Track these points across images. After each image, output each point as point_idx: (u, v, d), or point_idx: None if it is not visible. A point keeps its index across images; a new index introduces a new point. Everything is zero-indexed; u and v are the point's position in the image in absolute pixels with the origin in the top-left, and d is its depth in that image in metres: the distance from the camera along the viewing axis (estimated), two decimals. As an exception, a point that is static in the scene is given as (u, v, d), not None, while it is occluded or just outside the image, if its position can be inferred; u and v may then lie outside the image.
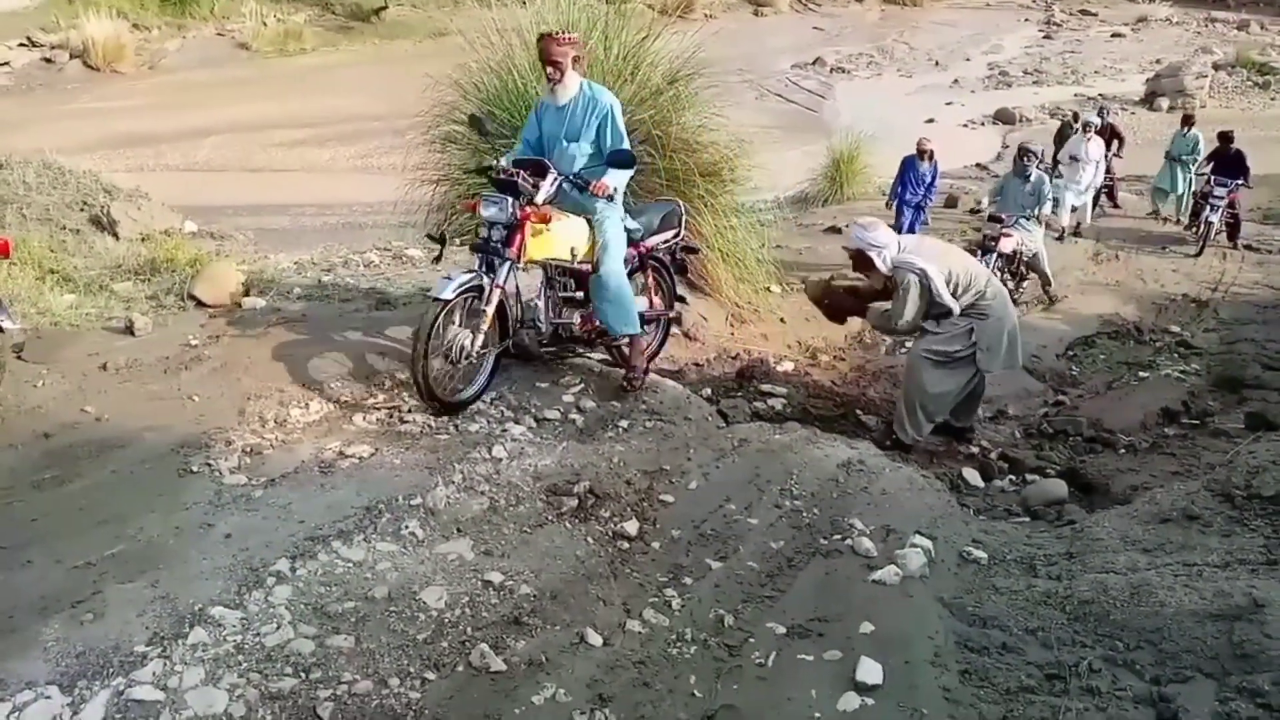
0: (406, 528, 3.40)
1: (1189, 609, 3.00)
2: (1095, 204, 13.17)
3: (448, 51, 8.05)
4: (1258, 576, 3.13)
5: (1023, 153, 9.57)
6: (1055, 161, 13.40)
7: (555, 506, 3.67)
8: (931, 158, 11.31)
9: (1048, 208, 9.45)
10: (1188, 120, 13.28)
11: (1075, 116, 15.24)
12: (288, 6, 27.21)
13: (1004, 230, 9.00)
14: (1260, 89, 22.69)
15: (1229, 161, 11.73)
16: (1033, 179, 9.43)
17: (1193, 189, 12.64)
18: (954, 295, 5.43)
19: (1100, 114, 13.77)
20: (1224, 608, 2.96)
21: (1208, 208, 11.44)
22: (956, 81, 24.03)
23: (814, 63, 25.54)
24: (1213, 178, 11.61)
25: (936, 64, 26.37)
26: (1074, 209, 11.98)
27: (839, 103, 21.42)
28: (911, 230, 10.66)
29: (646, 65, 7.47)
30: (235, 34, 24.71)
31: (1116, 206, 13.68)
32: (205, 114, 18.62)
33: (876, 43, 28.92)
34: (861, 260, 5.59)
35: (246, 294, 5.58)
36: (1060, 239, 11.34)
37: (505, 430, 4.26)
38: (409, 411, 4.35)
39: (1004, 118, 19.93)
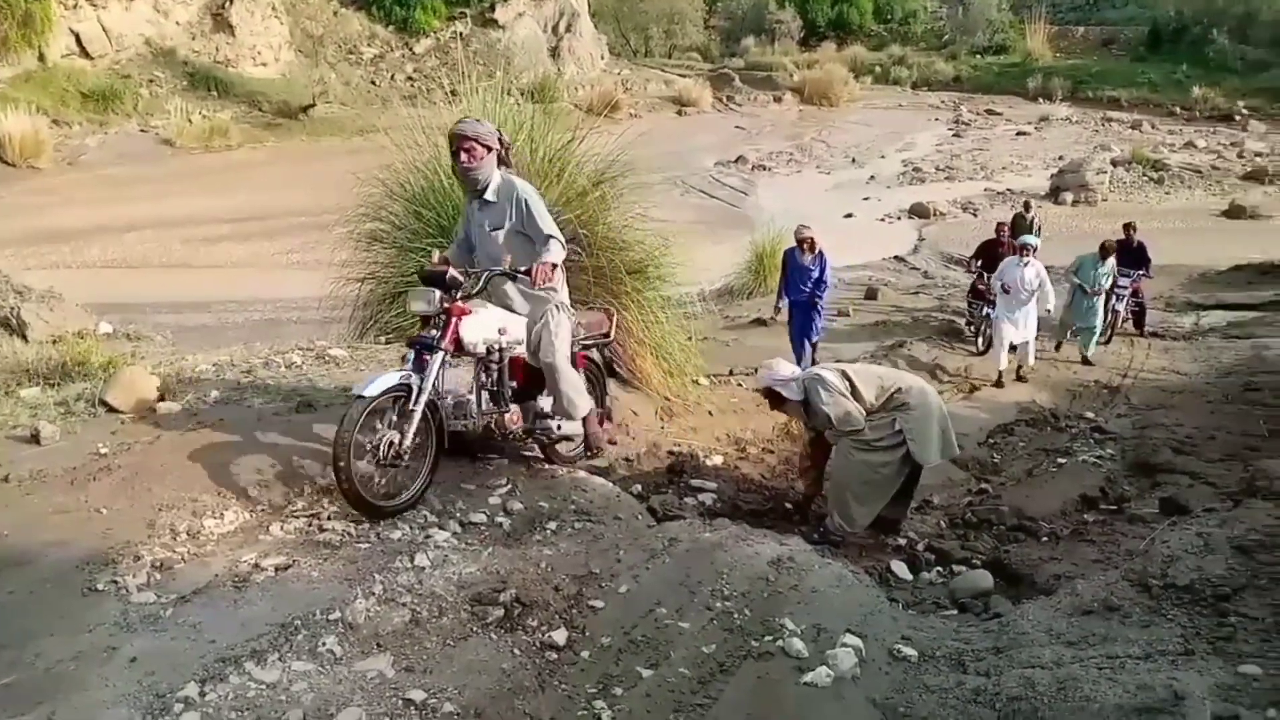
0: (324, 645, 3.27)
1: (1113, 703, 3.01)
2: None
3: (375, 149, 8.12)
4: (1177, 668, 3.18)
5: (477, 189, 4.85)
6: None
7: (480, 617, 3.56)
8: (814, 248, 9.90)
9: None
10: (1107, 251, 11.40)
11: (1028, 206, 15.02)
12: (214, 103, 27.30)
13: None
14: (1155, 184, 24.12)
15: (1132, 253, 12.32)
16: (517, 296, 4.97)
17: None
18: (861, 396, 5.63)
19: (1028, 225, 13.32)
20: (1146, 701, 2.98)
21: (1114, 297, 11.97)
22: (873, 178, 25.05)
23: (736, 160, 26.45)
24: (1116, 269, 12.17)
25: (853, 161, 27.50)
26: (1013, 348, 10.34)
27: (761, 198, 22.10)
28: (806, 335, 9.89)
29: (572, 167, 7.62)
30: (159, 130, 24.65)
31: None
32: (125, 210, 18.40)
33: (796, 141, 30.10)
34: (773, 397, 5.87)
35: (161, 399, 5.40)
36: (999, 385, 10.09)
37: (429, 537, 4.16)
38: (328, 519, 4.22)
39: (919, 212, 20.79)
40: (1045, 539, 5.91)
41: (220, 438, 4.92)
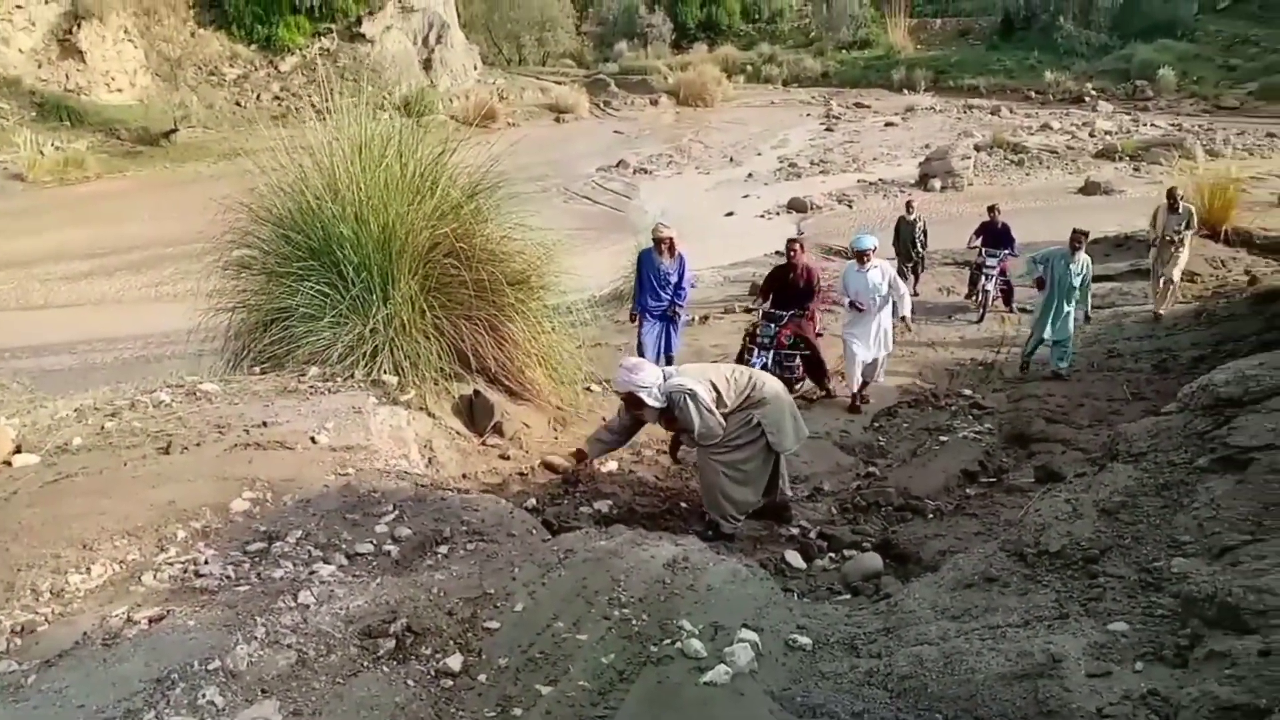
0: (204, 696, 3.11)
1: (996, 672, 3.13)
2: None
3: (243, 172, 7.85)
4: (1053, 632, 3.31)
5: None
6: (911, 261, 13.04)
7: (371, 650, 3.46)
8: (673, 249, 8.74)
9: None
10: (1079, 239, 9.67)
11: (909, 207, 13.69)
12: (67, 134, 26.01)
13: None
14: (1016, 165, 25.22)
15: (997, 233, 12.79)
16: None
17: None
18: (723, 402, 5.66)
19: (907, 228, 13.14)
20: (1027, 667, 3.10)
21: (983, 277, 12.43)
22: (751, 175, 25.46)
23: (617, 165, 26.55)
24: (983, 250, 12.64)
25: (731, 160, 27.90)
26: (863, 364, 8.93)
27: (645, 201, 22.22)
28: (669, 348, 9.06)
29: (445, 180, 7.52)
30: (8, 164, 23.32)
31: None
32: (-27, 251, 17.34)
33: (674, 143, 30.38)
34: (632, 400, 5.71)
35: (18, 450, 5.10)
36: (853, 409, 8.86)
37: (313, 573, 4.02)
38: (205, 563, 4.04)
39: (797, 206, 21.22)
40: (931, 516, 6.11)
41: (84, 487, 4.68)
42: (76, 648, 3.45)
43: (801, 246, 9.22)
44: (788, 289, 9.05)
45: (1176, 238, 11.57)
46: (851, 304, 8.85)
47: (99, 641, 3.47)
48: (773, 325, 8.89)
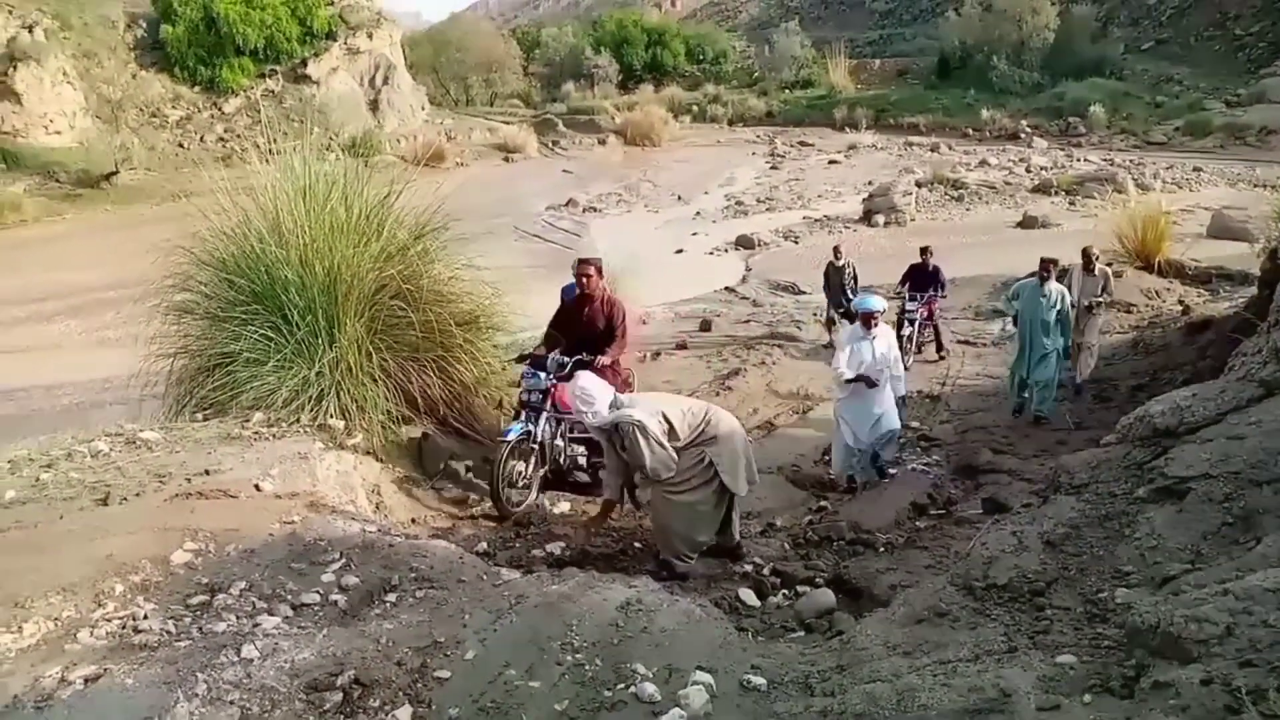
0: (142, 759, 3.01)
1: (949, 709, 3.13)
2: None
3: (185, 215, 7.74)
4: (1003, 666, 3.34)
5: None
6: (841, 308, 12.09)
7: (317, 705, 3.37)
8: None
9: None
10: (1048, 267, 9.16)
11: (837, 252, 13.10)
12: (3, 177, 25.50)
13: None
14: (956, 201, 25.81)
15: (927, 275, 12.40)
16: None
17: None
18: (676, 435, 5.54)
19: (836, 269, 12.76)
20: (978, 702, 3.11)
21: (905, 323, 11.91)
22: (699, 213, 25.74)
23: (567, 204, 26.70)
24: (907, 294, 12.15)
25: (679, 198, 28.20)
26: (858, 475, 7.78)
27: (595, 239, 22.33)
28: None
29: (392, 222, 7.49)
30: (-61, 210, 22.79)
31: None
32: (-96, 298, 16.88)
33: (623, 182, 30.64)
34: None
35: (-55, 506, 4.93)
36: (849, 490, 7.76)
37: (257, 625, 3.91)
38: (144, 618, 3.92)
39: (744, 243, 21.48)
40: (882, 550, 6.14)
41: (17, 542, 4.52)
42: (7, 711, 3.31)
43: (598, 270, 6.92)
44: (582, 329, 6.84)
45: (1095, 303, 10.33)
46: (860, 378, 7.33)
47: (30, 704, 3.34)
48: (542, 376, 6.64)
